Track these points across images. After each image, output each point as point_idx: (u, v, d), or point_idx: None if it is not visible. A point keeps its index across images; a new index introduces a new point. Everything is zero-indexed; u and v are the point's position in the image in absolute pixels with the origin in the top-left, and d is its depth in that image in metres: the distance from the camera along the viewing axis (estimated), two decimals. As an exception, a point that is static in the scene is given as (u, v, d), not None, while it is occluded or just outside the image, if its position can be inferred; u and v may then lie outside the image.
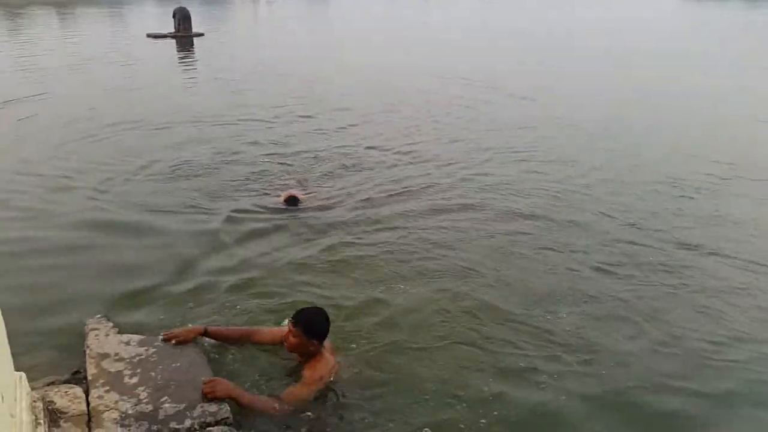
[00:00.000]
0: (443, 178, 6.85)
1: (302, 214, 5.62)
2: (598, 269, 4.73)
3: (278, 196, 5.95)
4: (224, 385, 2.84)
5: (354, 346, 3.59)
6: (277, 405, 2.89)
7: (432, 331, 3.81)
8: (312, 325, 3.08)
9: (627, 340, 3.83)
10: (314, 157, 7.49)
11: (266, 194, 6.14)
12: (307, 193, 6.08)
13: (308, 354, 3.12)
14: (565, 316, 4.04)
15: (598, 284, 4.52)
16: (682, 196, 6.42)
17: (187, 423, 2.67)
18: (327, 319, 3.18)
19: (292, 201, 5.73)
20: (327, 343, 3.24)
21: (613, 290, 4.41)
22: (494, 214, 5.80)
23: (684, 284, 4.54)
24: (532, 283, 4.48)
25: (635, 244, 5.21)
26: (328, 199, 6.04)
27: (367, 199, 6.11)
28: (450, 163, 7.43)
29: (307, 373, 3.07)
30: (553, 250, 5.06)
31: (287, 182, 6.53)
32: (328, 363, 3.13)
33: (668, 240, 5.29)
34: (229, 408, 2.79)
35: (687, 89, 13.18)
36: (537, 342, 3.74)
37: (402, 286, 4.34)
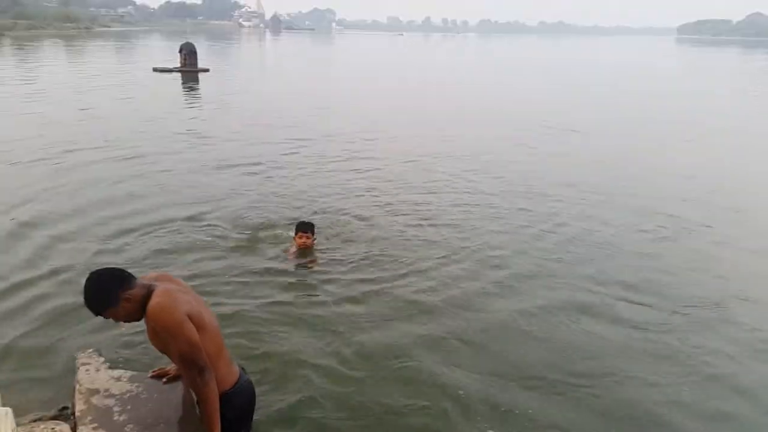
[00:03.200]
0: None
1: (310, 271, 5.26)
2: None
3: (291, 242, 5.61)
4: None
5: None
6: (199, 381, 2.46)
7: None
8: (101, 296, 2.44)
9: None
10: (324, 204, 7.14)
11: (272, 243, 5.77)
12: (314, 245, 5.63)
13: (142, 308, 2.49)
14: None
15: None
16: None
17: (175, 463, 2.60)
18: (106, 274, 2.48)
19: (300, 253, 5.45)
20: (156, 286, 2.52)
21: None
22: (516, 274, 5.34)
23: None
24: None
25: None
26: (336, 251, 5.66)
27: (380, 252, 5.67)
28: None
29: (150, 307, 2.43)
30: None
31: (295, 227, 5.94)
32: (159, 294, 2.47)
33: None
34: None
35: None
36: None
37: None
